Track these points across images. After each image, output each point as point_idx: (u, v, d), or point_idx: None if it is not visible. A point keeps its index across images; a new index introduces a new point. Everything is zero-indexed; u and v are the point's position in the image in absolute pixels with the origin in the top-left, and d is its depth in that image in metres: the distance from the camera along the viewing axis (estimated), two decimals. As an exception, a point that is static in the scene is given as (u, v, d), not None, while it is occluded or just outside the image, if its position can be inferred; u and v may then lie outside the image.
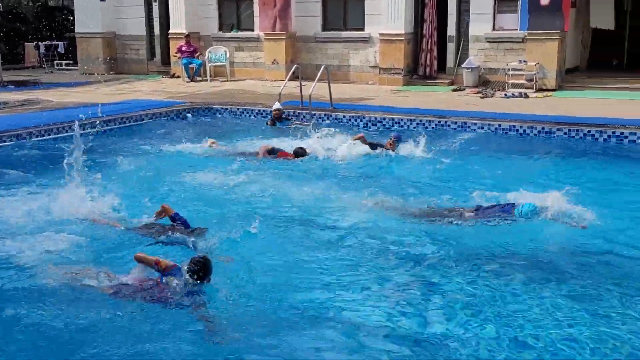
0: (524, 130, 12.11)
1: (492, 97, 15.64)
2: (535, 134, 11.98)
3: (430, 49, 17.86)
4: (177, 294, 5.24)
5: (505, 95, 15.63)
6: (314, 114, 13.97)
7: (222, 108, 15.18)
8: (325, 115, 14.04)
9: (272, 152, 10.68)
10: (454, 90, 16.78)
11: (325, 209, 7.82)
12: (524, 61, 16.14)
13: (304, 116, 14.10)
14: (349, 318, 5.14)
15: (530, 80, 15.95)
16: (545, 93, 15.64)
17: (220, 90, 17.70)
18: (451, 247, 6.52)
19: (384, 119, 13.46)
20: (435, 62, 17.96)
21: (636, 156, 10.54)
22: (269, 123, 13.43)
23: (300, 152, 10.51)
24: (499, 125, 12.37)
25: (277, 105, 13.48)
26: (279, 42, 19.52)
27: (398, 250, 6.53)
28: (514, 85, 16.01)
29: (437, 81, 17.77)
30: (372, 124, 13.47)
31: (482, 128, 12.45)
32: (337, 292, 5.60)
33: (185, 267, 5.35)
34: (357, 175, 9.45)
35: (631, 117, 12.08)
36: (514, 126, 12.25)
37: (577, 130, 11.66)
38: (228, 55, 20.31)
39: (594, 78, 16.79)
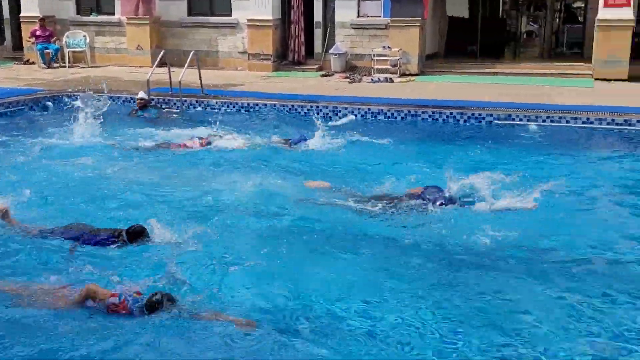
0: (392, 114, 12.61)
1: (359, 82, 16.11)
2: (402, 117, 12.51)
3: (298, 35, 18.05)
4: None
5: (372, 80, 16.16)
6: (185, 101, 13.70)
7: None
8: (196, 101, 13.80)
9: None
10: (323, 75, 17.09)
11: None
12: (388, 47, 16.75)
13: (174, 103, 13.78)
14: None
15: (395, 65, 16.60)
16: (408, 78, 16.35)
17: (82, 77, 16.80)
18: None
19: (257, 104, 13.46)
20: (303, 48, 18.17)
21: (496, 136, 11.32)
22: (133, 113, 12.96)
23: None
24: (369, 109, 12.79)
25: (141, 94, 13.02)
26: (142, 27, 18.84)
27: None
28: (380, 71, 16.59)
29: (306, 67, 18.00)
30: (245, 110, 13.43)
31: (353, 113, 12.79)
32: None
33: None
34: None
35: (488, 100, 13.00)
36: (382, 110, 12.72)
37: (441, 113, 12.33)
38: (88, 40, 19.30)
39: (451, 64, 17.79)
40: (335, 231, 6.73)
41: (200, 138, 10.50)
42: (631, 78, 14.94)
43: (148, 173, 8.88)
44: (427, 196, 7.26)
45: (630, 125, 11.25)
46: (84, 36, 19.30)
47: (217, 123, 11.14)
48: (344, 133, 10.77)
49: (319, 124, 10.34)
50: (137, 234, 6.20)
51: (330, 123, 12.10)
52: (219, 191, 8.02)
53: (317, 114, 12.92)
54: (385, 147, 10.37)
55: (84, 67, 18.86)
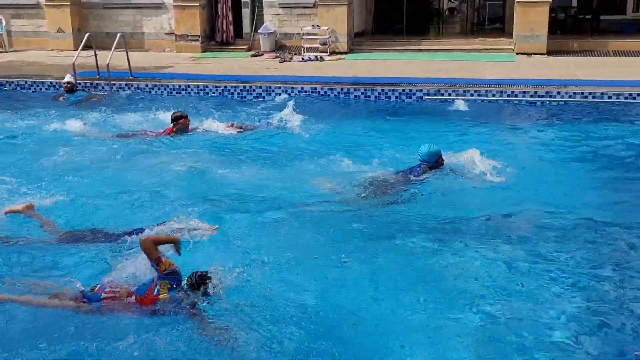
0: (325, 92, 12.75)
1: (290, 61, 16.14)
2: (335, 95, 12.68)
3: (226, 15, 17.86)
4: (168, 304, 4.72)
5: (303, 59, 16.23)
6: (113, 84, 13.39)
7: (7, 82, 13.90)
8: (125, 84, 13.50)
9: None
10: (253, 55, 17.02)
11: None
12: (317, 26, 16.83)
13: (102, 87, 13.45)
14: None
15: (324, 44, 16.70)
16: (338, 56, 16.51)
17: (4, 63, 16.11)
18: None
19: (188, 86, 13.31)
20: (231, 28, 18.01)
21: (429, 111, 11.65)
22: (59, 97, 12.57)
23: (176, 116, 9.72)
24: (302, 88, 12.88)
25: (68, 78, 12.64)
26: (62, 8, 18.16)
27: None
28: (309, 49, 16.66)
29: (235, 47, 17.86)
30: (177, 92, 13.25)
31: (286, 92, 12.83)
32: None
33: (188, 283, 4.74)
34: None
35: (417, 76, 13.34)
36: (315, 88, 12.84)
37: (373, 90, 12.56)
38: (4, 23, 18.46)
39: (379, 41, 18.05)
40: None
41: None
42: (549, 52, 15.62)
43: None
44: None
45: (551, 96, 11.81)
46: (0, 19, 18.44)
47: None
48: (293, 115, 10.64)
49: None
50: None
51: (263, 103, 12.19)
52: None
53: (250, 94, 12.94)
54: (326, 126, 10.48)
55: (1, 52, 18.05)
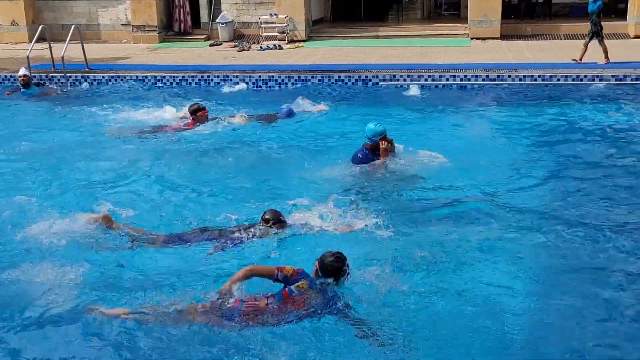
0: (283, 80, 12.84)
1: (248, 50, 16.19)
2: (293, 83, 12.78)
3: (183, 5, 17.79)
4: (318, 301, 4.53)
5: (261, 47, 16.28)
6: (70, 77, 13.29)
7: (-41, 76, 13.69)
8: (82, 77, 13.41)
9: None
10: (211, 45, 17.01)
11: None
12: (275, 14, 16.88)
13: (58, 79, 13.34)
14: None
15: (282, 32, 16.78)
16: (296, 44, 16.60)
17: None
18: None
19: (146, 77, 13.28)
20: (189, 18, 17.95)
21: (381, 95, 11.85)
22: (13, 91, 12.43)
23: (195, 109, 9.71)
24: (259, 76, 12.95)
25: (23, 71, 12.49)
26: (15, 1, 17.88)
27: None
28: (268, 38, 16.72)
29: (193, 37, 17.82)
30: (134, 82, 13.21)
31: (244, 80, 12.90)
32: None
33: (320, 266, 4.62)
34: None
35: (374, 62, 13.52)
36: (273, 76, 12.93)
37: (330, 77, 12.70)
38: (-45, 17, 18.11)
39: (338, 28, 18.19)
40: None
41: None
42: (503, 36, 15.96)
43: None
44: None
45: (502, 80, 12.10)
46: (-49, 13, 18.08)
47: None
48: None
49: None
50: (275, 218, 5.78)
51: (222, 90, 12.28)
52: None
53: (208, 83, 12.98)
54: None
55: (-47, 46, 17.71)
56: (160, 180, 7.46)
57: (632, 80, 11.69)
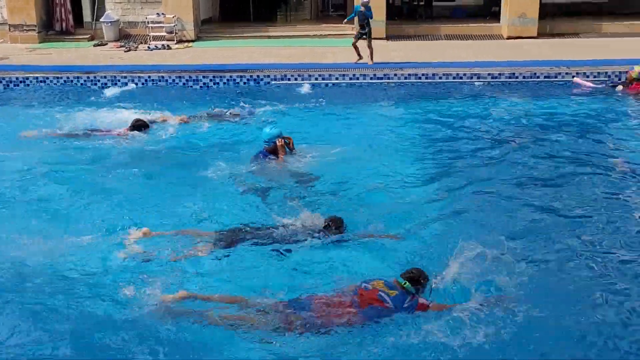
0: (173, 80, 12.71)
1: (135, 50, 15.83)
2: (184, 83, 12.67)
3: (64, 3, 17.09)
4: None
5: (149, 47, 15.97)
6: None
7: None
8: (-46, 79, 12.63)
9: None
10: (96, 45, 16.47)
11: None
12: (162, 14, 16.60)
13: None
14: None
15: (171, 32, 16.53)
16: (186, 44, 16.42)
17: None
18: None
19: (27, 78, 12.71)
20: (71, 17, 17.26)
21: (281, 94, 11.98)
22: None
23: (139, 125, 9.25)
24: (149, 77, 12.74)
25: None
26: None
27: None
28: (156, 38, 16.41)
29: (76, 37, 17.15)
30: (15, 85, 12.61)
31: (133, 81, 12.64)
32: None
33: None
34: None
35: (265, 62, 13.65)
36: (163, 77, 12.76)
37: (221, 77, 12.70)
38: None
39: (227, 28, 18.13)
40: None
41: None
42: (389, 37, 16.56)
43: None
44: None
45: (389, 78, 12.61)
46: None
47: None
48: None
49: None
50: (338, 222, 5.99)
51: (106, 93, 11.98)
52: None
53: (95, 84, 12.61)
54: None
55: None
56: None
57: (506, 77, 12.54)
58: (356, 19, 13.80)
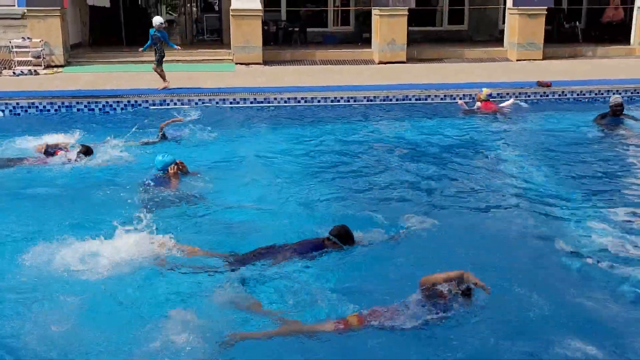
0: (44, 107, 12.16)
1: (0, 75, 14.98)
2: (56, 109, 12.16)
3: None
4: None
5: (14, 73, 15.16)
6: None
7: None
8: None
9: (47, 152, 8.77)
10: (-46, 70, 15.41)
11: None
12: (28, 38, 15.85)
13: None
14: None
15: (38, 57, 15.79)
16: (54, 69, 15.74)
17: None
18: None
19: None
20: None
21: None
22: None
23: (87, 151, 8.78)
24: (17, 103, 12.11)
25: None
26: None
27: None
28: (21, 63, 15.62)
29: None
30: None
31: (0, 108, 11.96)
32: None
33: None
34: None
35: (140, 87, 13.39)
36: (34, 103, 12.17)
37: (97, 102, 12.32)
38: None
39: (98, 53, 17.60)
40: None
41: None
42: (266, 62, 16.83)
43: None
44: None
45: (269, 102, 12.82)
46: None
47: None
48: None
49: None
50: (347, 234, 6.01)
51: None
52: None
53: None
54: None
55: None
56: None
57: (380, 100, 13.15)
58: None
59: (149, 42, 13.29)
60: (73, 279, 5.44)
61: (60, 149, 8.98)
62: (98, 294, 5.25)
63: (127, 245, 5.75)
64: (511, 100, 12.80)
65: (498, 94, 12.78)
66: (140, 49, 13.57)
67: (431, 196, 7.79)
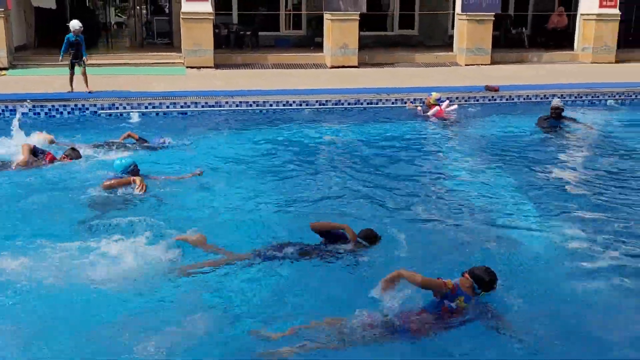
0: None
1: (-61, 78, 14.44)
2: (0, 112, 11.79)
3: None
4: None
5: (-45, 76, 14.66)
6: None
7: None
8: None
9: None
10: None
11: None
12: (-31, 40, 15.34)
13: None
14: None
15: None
16: (-1, 72, 15.30)
17: None
18: None
19: None
20: None
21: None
22: None
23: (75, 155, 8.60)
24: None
25: None
26: None
27: None
28: (-38, 66, 15.12)
29: None
30: None
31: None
32: None
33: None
34: None
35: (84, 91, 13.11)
36: (-25, 107, 11.77)
37: (42, 106, 12.00)
38: None
39: (44, 55, 17.13)
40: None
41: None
42: (217, 65, 16.69)
43: None
44: None
45: (220, 106, 12.71)
46: None
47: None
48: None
49: None
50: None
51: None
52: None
53: None
54: None
55: None
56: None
57: (332, 104, 13.19)
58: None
59: (64, 48, 12.83)
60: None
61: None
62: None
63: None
64: (454, 104, 12.95)
65: (448, 98, 12.96)
66: (61, 59, 13.06)
67: (380, 204, 7.80)
